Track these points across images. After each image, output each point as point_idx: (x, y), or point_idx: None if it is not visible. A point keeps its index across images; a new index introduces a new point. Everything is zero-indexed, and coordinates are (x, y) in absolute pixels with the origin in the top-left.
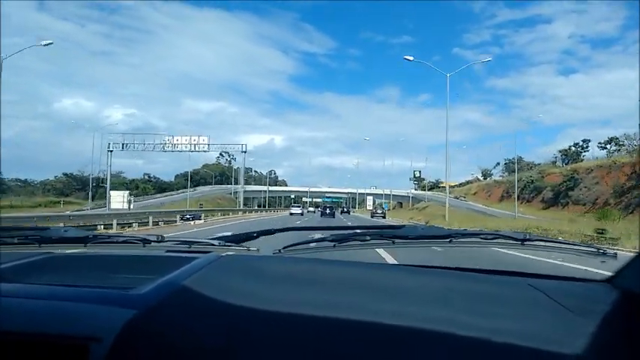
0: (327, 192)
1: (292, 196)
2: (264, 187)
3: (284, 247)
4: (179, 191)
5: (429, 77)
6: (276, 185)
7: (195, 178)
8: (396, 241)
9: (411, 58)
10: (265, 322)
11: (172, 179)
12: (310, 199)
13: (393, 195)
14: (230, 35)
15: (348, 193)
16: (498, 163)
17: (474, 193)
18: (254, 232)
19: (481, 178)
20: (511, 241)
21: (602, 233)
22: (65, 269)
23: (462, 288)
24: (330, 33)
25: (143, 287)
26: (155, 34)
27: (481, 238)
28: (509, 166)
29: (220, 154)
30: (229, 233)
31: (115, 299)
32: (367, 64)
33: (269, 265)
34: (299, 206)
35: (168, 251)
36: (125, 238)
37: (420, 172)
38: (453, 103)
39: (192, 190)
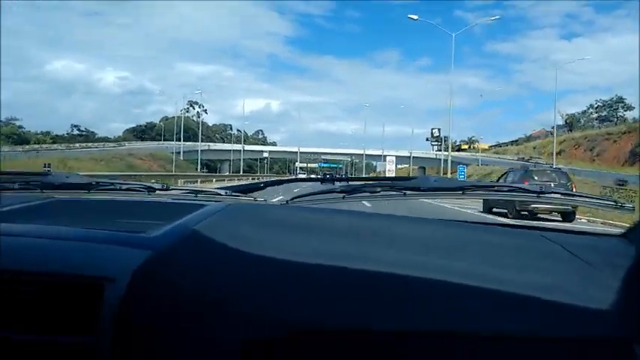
0: (323, 153)
1: (280, 160)
2: (236, 147)
3: (292, 198)
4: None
5: (430, 40)
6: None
7: (149, 134)
8: (407, 192)
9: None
10: (275, 269)
11: (120, 134)
12: (304, 164)
13: (413, 157)
14: None
15: (351, 154)
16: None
17: (559, 153)
18: (261, 183)
19: (551, 130)
20: (528, 193)
21: (622, 185)
22: (70, 213)
23: (476, 239)
24: None
25: (153, 231)
26: None
27: (495, 190)
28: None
29: (191, 105)
30: None
31: (127, 241)
32: (366, 27)
33: (277, 214)
34: (304, 173)
35: (173, 199)
36: (129, 186)
37: (439, 130)
38: (451, 69)
39: (115, 144)
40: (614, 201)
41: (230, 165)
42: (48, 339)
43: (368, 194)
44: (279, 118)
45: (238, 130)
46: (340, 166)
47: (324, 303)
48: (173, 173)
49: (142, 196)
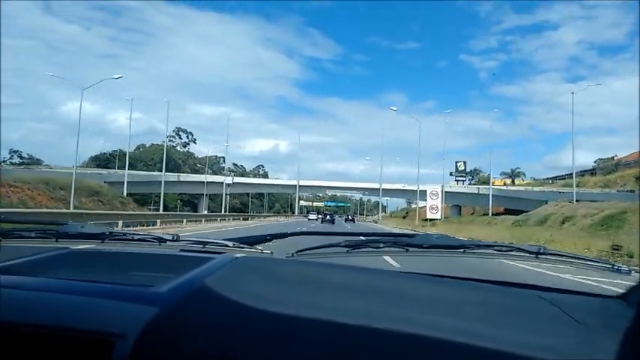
0: (327, 187)
1: (281, 198)
2: (216, 178)
3: (297, 251)
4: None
5: (435, 83)
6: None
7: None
8: (410, 249)
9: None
10: (281, 324)
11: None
12: (308, 203)
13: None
14: (235, 39)
15: (362, 189)
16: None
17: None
18: (267, 235)
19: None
20: (525, 254)
21: (617, 249)
22: (83, 265)
23: (474, 298)
24: (336, 38)
25: (162, 285)
26: (160, 37)
27: (495, 250)
28: None
29: (177, 133)
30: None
31: (137, 296)
32: (373, 70)
33: (283, 268)
34: (315, 213)
35: (182, 250)
36: (141, 236)
37: (464, 163)
38: (457, 110)
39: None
40: (611, 264)
41: (205, 201)
42: None
43: (371, 249)
44: (287, 158)
45: (235, 165)
46: (348, 205)
47: (327, 357)
48: (76, 211)
49: (153, 246)
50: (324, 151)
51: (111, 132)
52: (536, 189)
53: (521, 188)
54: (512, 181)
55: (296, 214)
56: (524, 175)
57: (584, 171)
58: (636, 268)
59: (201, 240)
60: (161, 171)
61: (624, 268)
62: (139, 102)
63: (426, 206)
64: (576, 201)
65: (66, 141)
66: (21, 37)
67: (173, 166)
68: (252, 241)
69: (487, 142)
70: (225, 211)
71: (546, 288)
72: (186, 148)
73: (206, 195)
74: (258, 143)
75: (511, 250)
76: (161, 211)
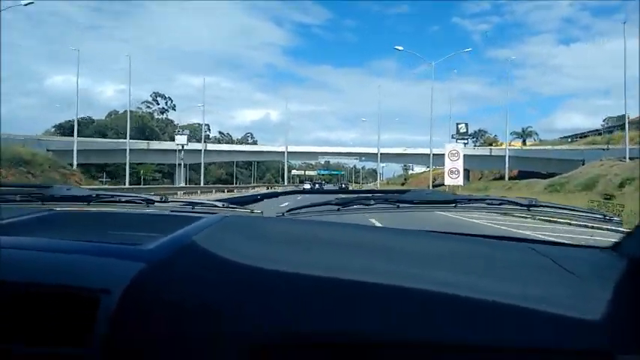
0: (320, 153)
1: (272, 167)
2: (191, 145)
3: (287, 211)
4: None
5: (427, 49)
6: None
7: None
8: (401, 205)
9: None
10: (270, 281)
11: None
12: (301, 172)
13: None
14: (221, 6)
15: (359, 154)
16: None
17: None
18: (258, 195)
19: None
20: (517, 207)
21: (609, 199)
22: (69, 225)
23: (466, 251)
24: (325, 2)
25: (150, 243)
26: (145, 7)
27: (487, 204)
28: None
29: (154, 99)
30: None
31: (123, 253)
32: (364, 36)
33: (273, 226)
34: (310, 182)
35: (172, 211)
36: (128, 198)
37: (466, 124)
38: (451, 76)
39: None
40: (603, 214)
41: (181, 172)
42: (43, 350)
43: (362, 207)
44: (278, 127)
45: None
46: (342, 173)
47: (320, 314)
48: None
49: (141, 208)
50: (316, 120)
51: (100, 104)
52: (563, 147)
53: (545, 147)
54: (524, 141)
55: (286, 183)
56: (536, 134)
57: (591, 131)
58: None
59: (190, 201)
60: (135, 139)
61: (616, 218)
62: (125, 73)
63: (438, 170)
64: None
65: (55, 115)
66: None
67: (150, 135)
68: (242, 201)
69: (481, 107)
70: (204, 183)
71: (538, 241)
72: (164, 115)
73: (180, 164)
74: (248, 113)
75: (503, 204)
76: (127, 185)
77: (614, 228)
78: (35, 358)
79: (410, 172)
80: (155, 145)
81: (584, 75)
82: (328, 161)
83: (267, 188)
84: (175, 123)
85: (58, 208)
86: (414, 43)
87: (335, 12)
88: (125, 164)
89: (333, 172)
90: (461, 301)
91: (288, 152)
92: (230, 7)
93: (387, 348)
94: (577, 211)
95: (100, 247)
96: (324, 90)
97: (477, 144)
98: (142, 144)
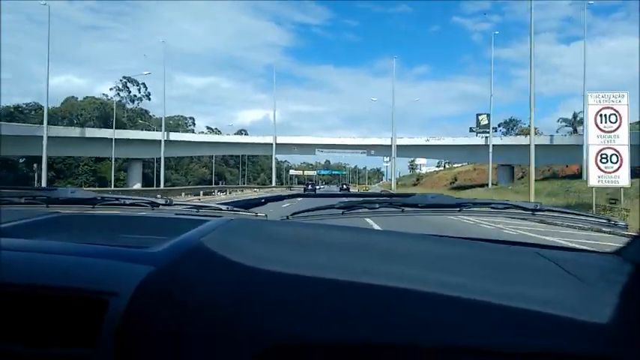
0: (320, 145)
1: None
2: (143, 134)
3: (292, 214)
4: None
5: (427, 49)
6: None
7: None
8: (405, 209)
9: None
10: (275, 283)
11: None
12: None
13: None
14: (222, 7)
15: (366, 147)
16: None
17: None
18: (262, 198)
19: None
20: (522, 211)
21: (614, 203)
22: (75, 228)
23: (471, 255)
24: (325, 2)
25: (157, 246)
26: (145, 8)
27: (491, 208)
28: None
29: (124, 85)
30: None
31: (131, 256)
32: (364, 36)
33: (278, 229)
34: (313, 184)
35: (177, 214)
36: (133, 201)
37: (488, 115)
38: (450, 75)
39: None
40: (607, 219)
41: (136, 169)
42: (51, 352)
43: (366, 210)
44: (279, 128)
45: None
46: (344, 173)
47: (327, 316)
48: None
49: (146, 211)
50: (317, 121)
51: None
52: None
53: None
54: (574, 129)
55: (273, 184)
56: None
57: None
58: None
59: (195, 204)
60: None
61: (621, 222)
62: (125, 74)
63: (456, 168)
64: None
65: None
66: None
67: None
68: (246, 204)
69: (482, 108)
70: (160, 185)
71: (542, 245)
72: (135, 104)
73: (131, 159)
74: (248, 114)
75: (508, 208)
76: (43, 184)
77: (619, 232)
78: (44, 359)
79: (417, 171)
80: (91, 132)
81: (585, 74)
82: (329, 161)
83: (256, 191)
84: (151, 114)
85: (63, 211)
86: (414, 42)
87: (336, 12)
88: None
89: (334, 172)
90: (466, 303)
91: (279, 144)
92: (230, 7)
93: (392, 350)
94: (582, 215)
95: (108, 249)
96: (325, 90)
97: (510, 136)
98: (69, 131)
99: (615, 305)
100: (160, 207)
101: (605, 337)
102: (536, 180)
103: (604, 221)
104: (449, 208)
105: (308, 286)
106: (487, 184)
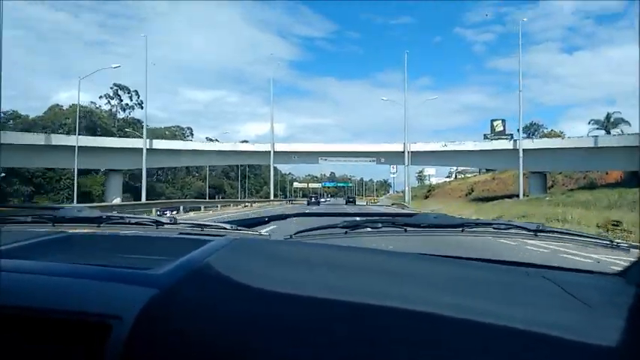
0: (323, 153)
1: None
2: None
3: (295, 233)
4: None
5: (430, 60)
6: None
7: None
8: (408, 229)
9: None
10: (282, 303)
11: None
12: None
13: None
14: (226, 21)
15: (376, 154)
16: None
17: None
18: (265, 217)
19: None
20: (524, 232)
21: (616, 225)
22: (80, 248)
23: (474, 276)
24: (328, 14)
25: (160, 267)
26: (149, 22)
27: (494, 228)
28: None
29: (115, 92)
30: None
31: (134, 278)
32: (367, 48)
33: (282, 249)
34: (316, 196)
35: (181, 233)
36: (138, 220)
37: (503, 121)
38: (453, 87)
39: None
40: (610, 240)
41: (115, 182)
42: None
43: (370, 230)
44: (284, 140)
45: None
46: (350, 185)
47: (333, 337)
48: None
49: (151, 230)
50: (321, 133)
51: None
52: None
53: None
54: (608, 132)
55: (272, 197)
56: (627, 123)
57: None
58: (635, 244)
59: (199, 223)
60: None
61: (623, 244)
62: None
63: (469, 177)
64: None
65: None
66: (8, 27)
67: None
68: (250, 223)
69: (484, 118)
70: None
71: (546, 266)
72: (127, 113)
73: (109, 170)
74: (253, 127)
75: (510, 228)
76: None
77: (622, 256)
78: None
79: (426, 182)
80: (58, 139)
81: (588, 83)
82: (334, 173)
83: (245, 206)
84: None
85: (69, 230)
86: (416, 54)
87: (338, 24)
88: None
89: (339, 185)
90: (470, 325)
91: (279, 152)
92: (234, 22)
93: None
94: (585, 237)
95: (111, 271)
96: (328, 103)
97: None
98: (33, 138)
99: (619, 328)
100: (165, 226)
101: (607, 358)
102: (571, 189)
103: (607, 242)
104: (451, 228)
105: (314, 308)
106: (517, 195)
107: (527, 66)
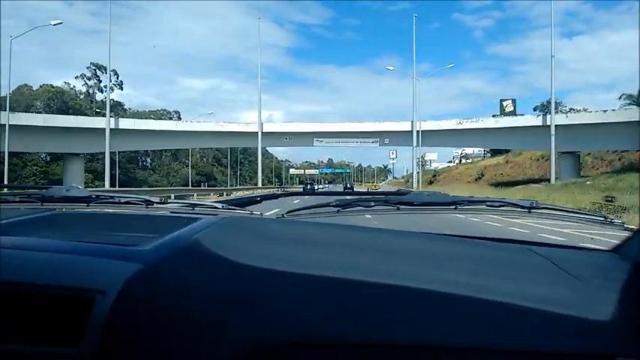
0: (316, 133)
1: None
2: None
3: (287, 212)
4: None
5: (429, 46)
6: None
7: None
8: (401, 207)
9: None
10: (270, 280)
11: None
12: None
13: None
14: (222, 9)
15: (381, 134)
16: None
17: None
18: (257, 197)
19: None
20: (518, 209)
21: (610, 201)
22: (68, 226)
23: (466, 252)
24: (325, 1)
25: (147, 244)
26: (145, 10)
27: (487, 206)
28: None
29: (93, 73)
30: None
31: (119, 254)
32: (365, 35)
33: (273, 227)
34: (311, 183)
35: (171, 212)
36: (128, 199)
37: (513, 100)
38: (452, 73)
39: None
40: (604, 216)
41: (74, 167)
42: (35, 350)
43: (362, 208)
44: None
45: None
46: (348, 171)
47: (323, 314)
48: None
49: (140, 209)
50: (319, 121)
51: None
52: None
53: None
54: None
55: (259, 184)
56: None
57: None
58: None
59: (190, 202)
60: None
61: (617, 220)
62: (127, 77)
63: (486, 161)
64: None
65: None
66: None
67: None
68: (242, 202)
69: (484, 103)
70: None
71: (539, 243)
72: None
73: (65, 154)
74: (250, 115)
75: (503, 205)
76: None
77: (616, 231)
78: (28, 357)
79: (427, 167)
80: (51, 120)
81: (588, 68)
82: (331, 159)
83: (220, 195)
84: (126, 107)
85: (57, 209)
86: (416, 40)
87: (335, 10)
88: None
89: (337, 171)
90: (462, 301)
91: (269, 133)
92: (231, 9)
93: (390, 349)
94: (578, 213)
95: (96, 247)
96: (327, 90)
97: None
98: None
99: (612, 303)
100: (155, 205)
101: (602, 335)
102: (605, 172)
103: (600, 219)
104: (444, 206)
105: (302, 284)
106: (540, 180)
107: (526, 51)
